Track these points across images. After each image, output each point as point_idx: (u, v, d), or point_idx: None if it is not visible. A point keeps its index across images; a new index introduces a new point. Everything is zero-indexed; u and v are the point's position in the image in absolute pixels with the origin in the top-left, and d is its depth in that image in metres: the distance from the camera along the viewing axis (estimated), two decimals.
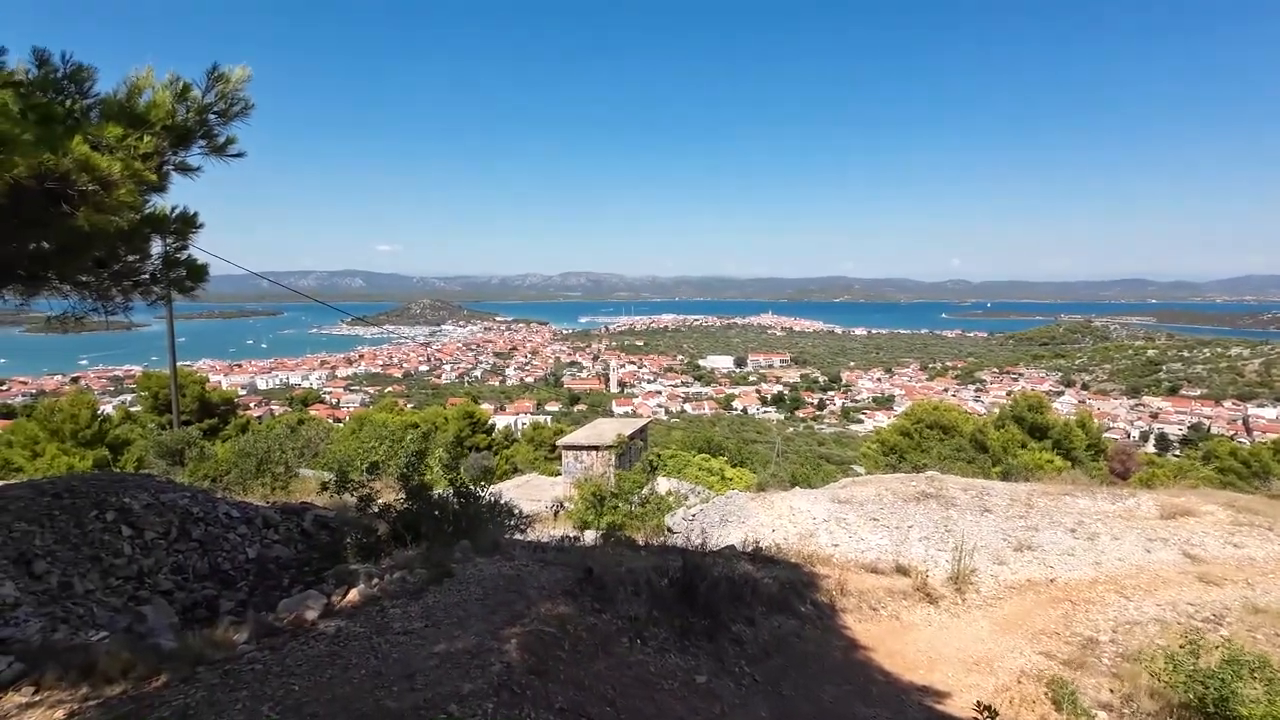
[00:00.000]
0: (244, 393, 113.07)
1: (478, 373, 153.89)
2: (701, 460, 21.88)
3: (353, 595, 3.99)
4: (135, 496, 6.10)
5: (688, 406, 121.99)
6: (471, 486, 6.41)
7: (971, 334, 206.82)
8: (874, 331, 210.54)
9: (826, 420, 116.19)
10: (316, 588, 4.59)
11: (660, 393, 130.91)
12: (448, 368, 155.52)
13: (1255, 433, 76.55)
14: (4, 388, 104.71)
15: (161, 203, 5.28)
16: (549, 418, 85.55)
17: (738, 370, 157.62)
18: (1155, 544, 11.64)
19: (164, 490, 6.47)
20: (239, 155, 4.83)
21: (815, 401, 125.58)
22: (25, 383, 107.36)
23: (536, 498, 20.28)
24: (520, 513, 6.98)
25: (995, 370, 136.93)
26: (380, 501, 6.13)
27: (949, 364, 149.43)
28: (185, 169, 4.71)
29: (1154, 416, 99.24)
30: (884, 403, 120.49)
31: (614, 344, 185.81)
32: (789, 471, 22.56)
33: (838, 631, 6.16)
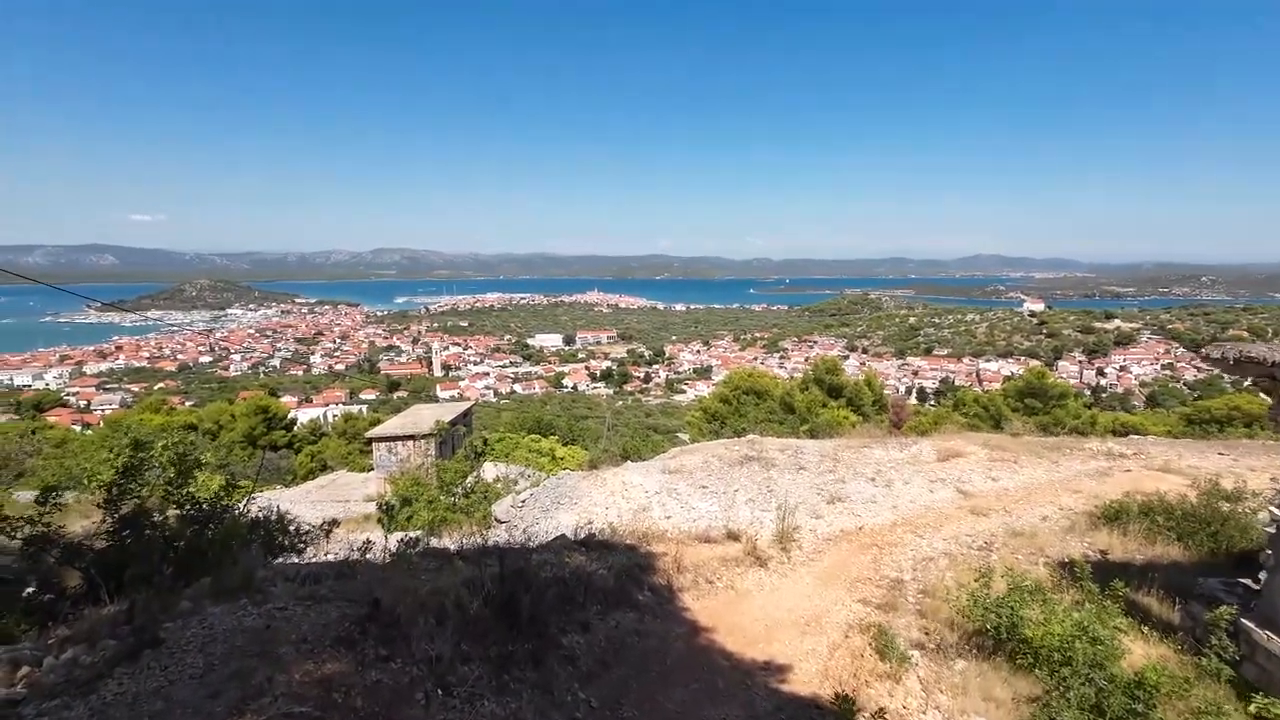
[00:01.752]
0: None
1: (276, 362, 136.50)
2: (531, 441, 20.96)
3: None
4: None
5: (518, 387, 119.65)
6: (223, 500, 4.91)
7: (775, 307, 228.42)
8: (692, 307, 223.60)
9: (653, 393, 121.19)
10: None
11: (488, 374, 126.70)
12: (237, 358, 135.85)
13: (985, 382, 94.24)
14: None
15: None
16: (364, 407, 78.55)
17: (567, 348, 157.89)
18: (936, 484, 13.14)
19: None
20: None
21: (642, 375, 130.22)
22: None
23: (343, 498, 17.95)
24: (297, 528, 5.59)
25: (795, 339, 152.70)
26: (71, 540, 4.40)
27: (758, 335, 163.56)
28: None
29: (915, 373, 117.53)
30: (703, 373, 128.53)
31: (436, 325, 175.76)
32: (620, 445, 22.52)
33: (678, 616, 5.77)
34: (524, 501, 13.02)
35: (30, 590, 4.12)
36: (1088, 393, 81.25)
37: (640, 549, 7.45)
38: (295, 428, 40.54)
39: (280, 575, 4.06)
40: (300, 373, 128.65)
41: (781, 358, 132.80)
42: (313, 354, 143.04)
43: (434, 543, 10.57)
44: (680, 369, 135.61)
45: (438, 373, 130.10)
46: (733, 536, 9.52)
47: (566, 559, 5.88)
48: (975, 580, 6.44)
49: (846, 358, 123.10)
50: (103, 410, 76.84)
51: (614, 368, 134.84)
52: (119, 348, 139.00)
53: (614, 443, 24.23)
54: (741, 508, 11.83)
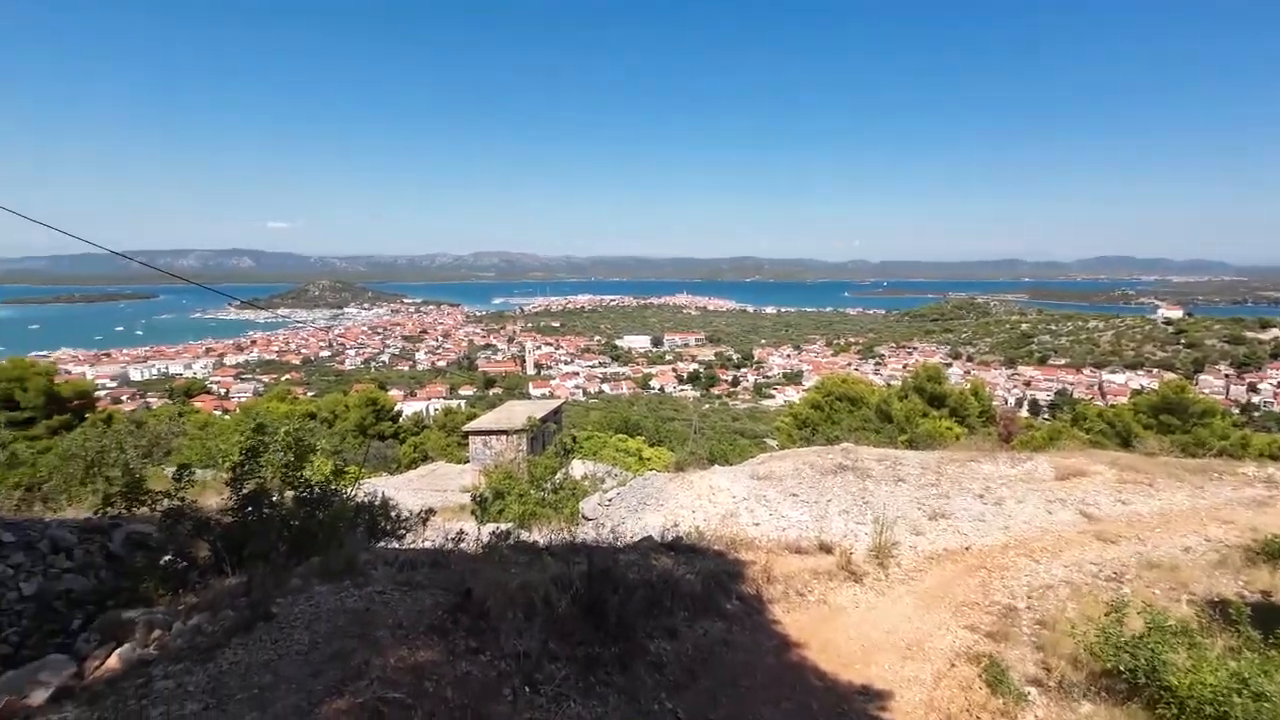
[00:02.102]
0: (113, 384, 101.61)
1: (385, 357, 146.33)
2: (618, 441, 21.12)
3: (113, 660, 2.82)
4: None
5: (606, 387, 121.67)
6: (333, 485, 5.19)
7: (871, 311, 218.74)
8: (783, 310, 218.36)
9: (740, 396, 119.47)
10: (73, 649, 3.34)
11: (578, 374, 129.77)
12: (352, 353, 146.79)
13: (1109, 396, 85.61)
14: None
15: None
16: (463, 402, 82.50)
17: (655, 350, 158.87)
18: (1055, 505, 11.98)
19: None
20: None
21: (729, 379, 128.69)
22: None
23: (441, 487, 18.84)
24: (398, 515, 5.84)
25: (893, 345, 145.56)
26: (203, 514, 4.81)
27: (852, 340, 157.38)
28: None
29: (1027, 384, 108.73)
30: (793, 378, 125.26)
31: (530, 325, 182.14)
32: (707, 448, 22.26)
33: (768, 629, 5.52)
34: (610, 500, 13.10)
35: (167, 558, 4.54)
36: (1236, 411, 71.87)
37: (728, 555, 7.24)
38: (400, 419, 43.15)
39: (381, 559, 4.22)
40: (406, 368, 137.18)
41: (877, 364, 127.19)
42: (417, 351, 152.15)
43: (524, 536, 10.83)
44: (769, 373, 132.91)
45: (530, 371, 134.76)
46: (825, 548, 9.10)
47: (653, 561, 5.78)
48: (1105, 615, 5.75)
49: (949, 365, 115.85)
50: (239, 398, 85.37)
51: (701, 370, 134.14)
52: (253, 342, 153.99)
53: (700, 445, 24.00)
54: (834, 519, 11.32)
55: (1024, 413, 77.61)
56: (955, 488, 12.95)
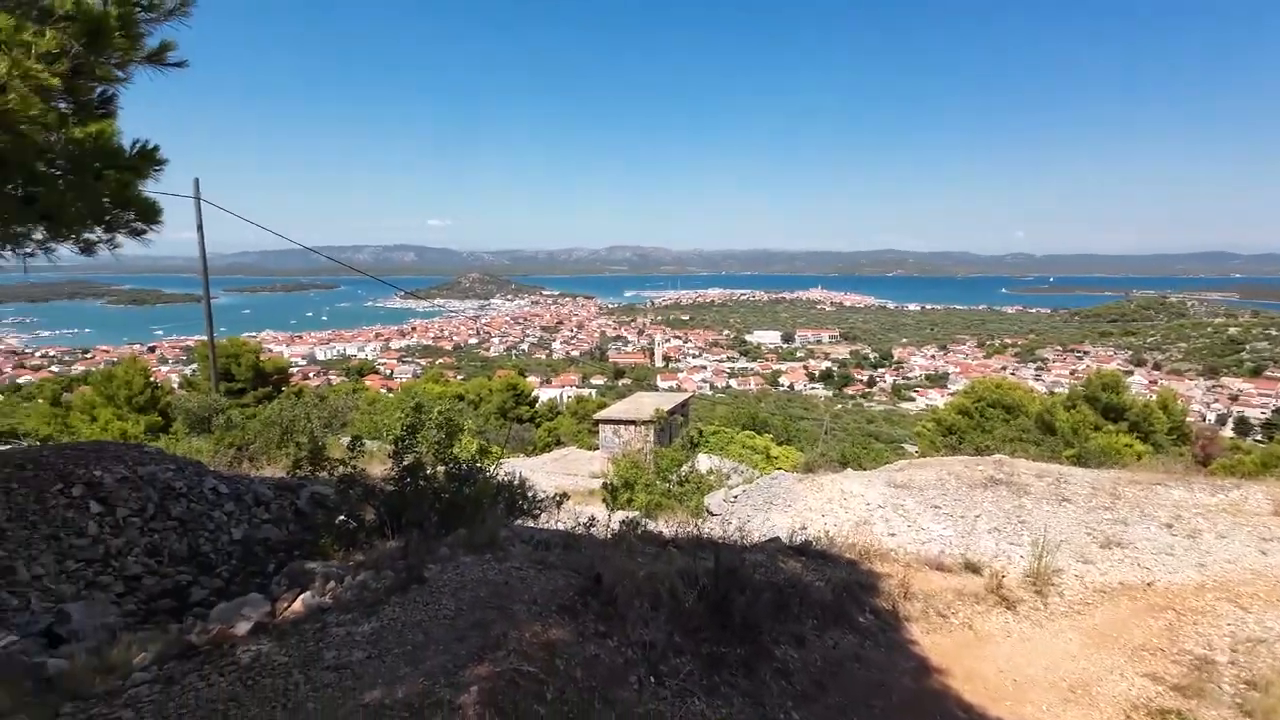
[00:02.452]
0: (303, 362, 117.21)
1: (525, 346, 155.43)
2: (745, 437, 20.80)
3: (297, 604, 3.23)
4: (109, 469, 5.53)
5: (733, 382, 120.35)
6: (478, 463, 5.58)
7: (1033, 310, 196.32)
8: (928, 307, 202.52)
9: (876, 398, 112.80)
10: (268, 590, 3.86)
11: (705, 367, 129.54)
12: (496, 340, 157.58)
13: None
14: (88, 355, 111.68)
15: (114, 129, 4.57)
16: (593, 391, 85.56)
17: (785, 346, 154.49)
18: (1273, 544, 10.06)
19: (143, 462, 5.89)
20: (179, 65, 4.02)
21: (865, 379, 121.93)
22: (107, 351, 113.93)
23: (572, 471, 19.69)
24: (534, 495, 6.17)
25: (1058, 348, 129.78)
26: (370, 481, 5.39)
27: (1008, 341, 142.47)
28: (110, 78, 3.94)
29: (1234, 399, 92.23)
30: (937, 380, 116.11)
31: (659, 318, 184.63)
32: (839, 450, 21.28)
33: (904, 648, 5.15)
34: (736, 497, 12.94)
35: (340, 518, 5.14)
36: None
37: (861, 565, 6.85)
38: (536, 405, 45.60)
39: (518, 537, 4.47)
40: (543, 356, 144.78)
41: (1039, 369, 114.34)
42: (554, 340, 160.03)
43: (649, 526, 11.03)
44: (910, 374, 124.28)
45: (659, 363, 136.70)
46: (972, 568, 8.32)
47: (781, 564, 5.61)
48: None
49: (1129, 373, 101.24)
50: (401, 378, 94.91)
51: (834, 369, 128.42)
52: (414, 329, 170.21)
53: (831, 447, 22.99)
54: (983, 536, 10.34)
55: (1228, 432, 65.93)
56: (1135, 514, 11.31)
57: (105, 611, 3.85)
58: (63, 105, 4.06)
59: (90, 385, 23.35)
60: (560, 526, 6.24)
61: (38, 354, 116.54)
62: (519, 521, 5.74)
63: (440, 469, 5.28)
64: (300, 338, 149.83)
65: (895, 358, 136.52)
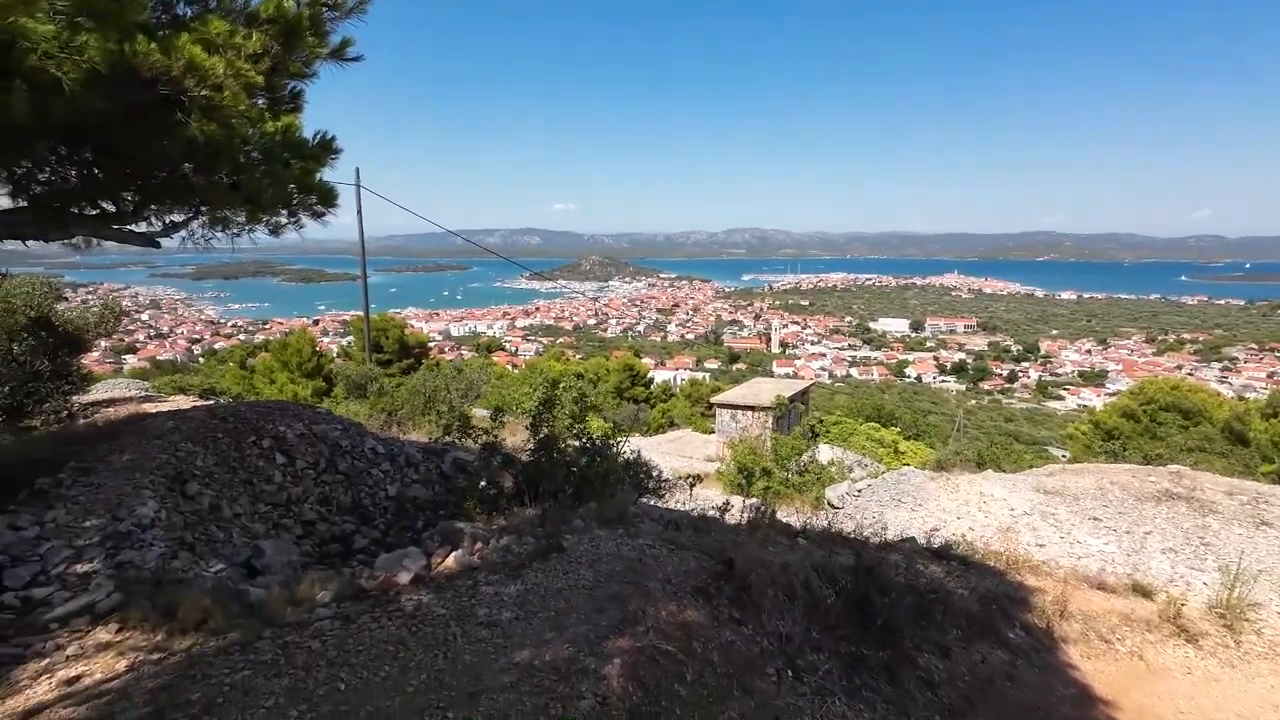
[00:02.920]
0: (439, 338, 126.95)
1: (641, 327, 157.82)
2: (870, 429, 19.77)
3: (450, 560, 3.46)
4: (291, 426, 6.26)
5: (854, 371, 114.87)
6: (609, 440, 5.70)
7: (1221, 301, 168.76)
8: (1086, 296, 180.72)
9: (1017, 395, 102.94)
10: (422, 544, 4.18)
11: (825, 355, 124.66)
12: (613, 322, 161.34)
13: None
14: (267, 325, 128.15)
15: (295, 121, 5.08)
16: (707, 375, 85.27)
17: (913, 335, 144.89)
18: None
19: (318, 421, 6.60)
20: (357, 59, 4.38)
21: (1004, 373, 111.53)
22: (281, 322, 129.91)
23: (688, 454, 19.76)
24: (659, 475, 6.22)
25: (1253, 346, 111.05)
26: (508, 450, 5.69)
27: (1186, 336, 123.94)
28: (300, 74, 4.35)
29: None
30: (1093, 378, 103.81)
31: (777, 303, 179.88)
32: (974, 449, 19.63)
33: (1061, 672, 4.65)
34: (860, 491, 12.35)
35: (483, 484, 5.48)
36: None
37: (1008, 576, 6.26)
38: (651, 386, 46.16)
39: (647, 515, 4.52)
40: (658, 339, 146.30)
41: (1225, 369, 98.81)
42: (669, 323, 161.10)
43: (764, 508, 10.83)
44: (1059, 370, 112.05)
45: (775, 349, 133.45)
46: (1141, 591, 7.35)
47: (920, 566, 5.25)
48: None
49: None
50: (525, 355, 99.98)
51: (969, 361, 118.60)
52: (537, 309, 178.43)
53: (965, 445, 21.26)
54: (1155, 557, 9.13)
55: None
56: None
57: (289, 550, 4.38)
58: (261, 101, 4.57)
59: (270, 352, 26.77)
60: (683, 507, 6.25)
61: (229, 324, 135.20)
62: (644, 499, 5.81)
63: (573, 443, 5.45)
64: (437, 315, 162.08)
65: (1042, 351, 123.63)
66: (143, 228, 5.54)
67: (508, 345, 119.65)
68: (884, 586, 3.67)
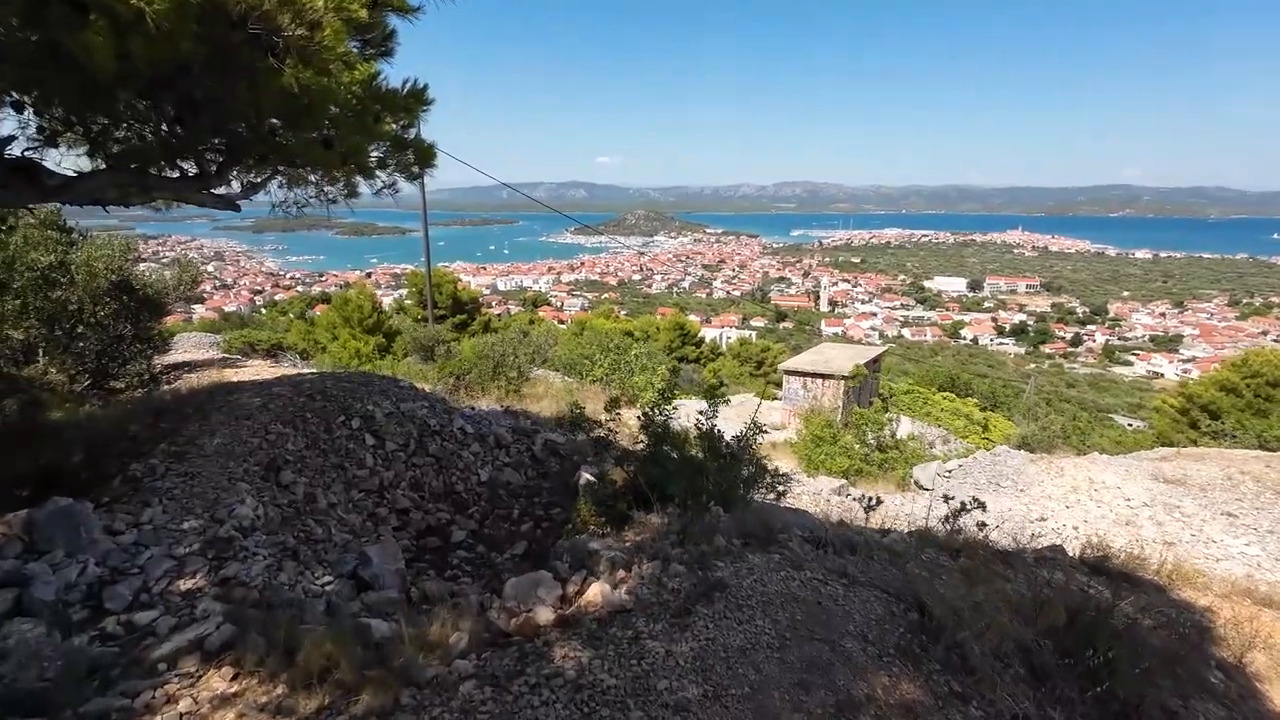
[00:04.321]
0: (487, 292, 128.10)
1: (686, 284, 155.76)
2: (945, 400, 18.67)
3: (593, 593, 2.97)
4: (379, 404, 5.88)
5: (905, 331, 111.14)
6: (740, 441, 5.07)
7: None
8: (1163, 255, 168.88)
9: (1081, 359, 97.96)
10: (549, 563, 3.71)
11: (875, 314, 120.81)
12: (658, 278, 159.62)
13: None
14: (322, 278, 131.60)
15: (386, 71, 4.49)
16: (754, 333, 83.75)
17: (970, 295, 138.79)
18: None
19: (405, 399, 6.22)
20: None
21: (1068, 336, 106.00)
22: (336, 275, 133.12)
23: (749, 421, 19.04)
24: (777, 470, 5.62)
25: None
26: (620, 443, 5.17)
27: (1275, 300, 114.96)
28: (404, 8, 3.72)
29: None
30: (1167, 343, 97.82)
31: (827, 260, 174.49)
32: (1059, 423, 18.35)
33: None
34: (951, 471, 11.53)
35: (589, 478, 5.01)
36: None
37: (1170, 593, 5.50)
38: (702, 346, 45.36)
39: (789, 526, 3.93)
40: (704, 295, 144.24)
41: None
42: (714, 279, 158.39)
43: (853, 493, 10.15)
44: (1128, 334, 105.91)
45: (824, 308, 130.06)
46: None
47: (1083, 588, 4.56)
48: None
49: None
50: (570, 311, 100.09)
51: (1030, 323, 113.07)
52: (582, 264, 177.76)
53: (1050, 420, 19.90)
54: None
55: None
56: None
57: (395, 555, 3.99)
58: (354, 45, 3.96)
59: (331, 306, 27.09)
60: (800, 503, 5.67)
61: (288, 275, 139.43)
62: (760, 496, 5.24)
63: (694, 438, 4.88)
64: (484, 269, 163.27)
65: (1110, 313, 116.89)
66: (222, 190, 5.12)
67: (553, 300, 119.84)
68: (1108, 634, 3.02)
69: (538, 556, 4.55)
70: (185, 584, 3.10)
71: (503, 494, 5.72)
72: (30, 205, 6.36)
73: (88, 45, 2.42)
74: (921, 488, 11.23)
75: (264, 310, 56.21)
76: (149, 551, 3.29)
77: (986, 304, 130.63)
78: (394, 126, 4.45)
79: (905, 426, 15.17)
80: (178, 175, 4.63)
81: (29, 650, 2.41)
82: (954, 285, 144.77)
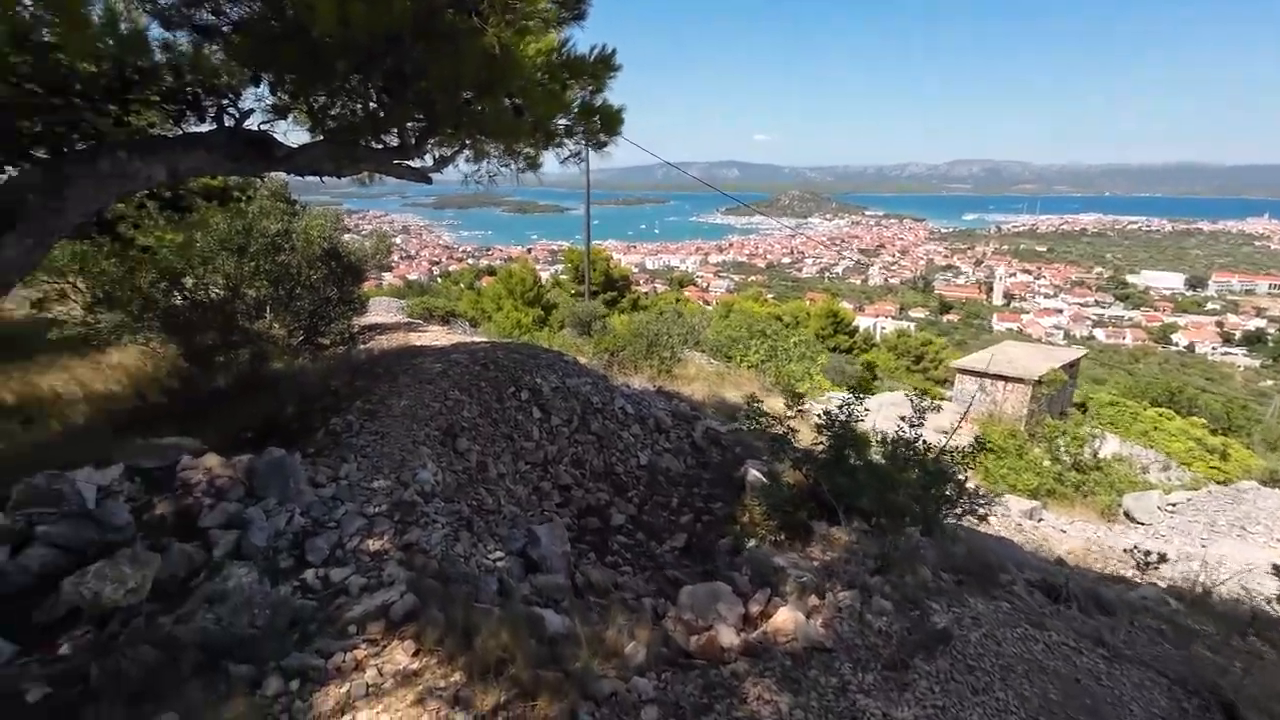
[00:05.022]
0: (636, 271, 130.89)
1: (839, 269, 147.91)
2: (1161, 417, 15.70)
3: (782, 620, 2.60)
4: (546, 378, 5.91)
5: (1099, 332, 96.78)
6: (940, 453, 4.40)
7: None
8: None
9: None
10: (726, 573, 3.39)
11: (1060, 310, 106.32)
12: (809, 261, 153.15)
13: None
14: (489, 252, 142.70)
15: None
16: (912, 325, 77.48)
17: (1189, 293, 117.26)
18: None
19: (570, 374, 6.22)
20: None
21: None
22: (501, 250, 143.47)
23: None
24: (976, 489, 4.83)
25: None
26: (802, 450, 4.69)
27: None
28: None
29: None
30: None
31: (1005, 248, 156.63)
32: None
33: None
34: (1176, 506, 9.59)
35: (757, 475, 4.63)
36: None
37: None
38: (855, 335, 42.69)
39: (1004, 561, 3.26)
40: (858, 282, 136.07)
41: None
42: (871, 265, 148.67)
43: (1048, 517, 8.79)
44: None
45: (997, 301, 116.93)
46: None
47: None
48: None
49: None
50: (715, 293, 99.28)
51: (1270, 331, 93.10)
52: (730, 245, 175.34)
53: None
54: None
55: None
56: None
57: (562, 538, 3.92)
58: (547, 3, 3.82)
59: (497, 279, 29.03)
60: (986, 526, 4.83)
61: (460, 249, 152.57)
62: (953, 519, 4.52)
63: (879, 442, 4.30)
64: (634, 248, 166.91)
65: None
66: (417, 163, 5.34)
67: (700, 281, 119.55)
68: None
69: (700, 554, 4.27)
70: (373, 544, 3.20)
71: (662, 480, 5.52)
72: (261, 175, 7.17)
73: (312, 5, 2.41)
74: (1135, 521, 9.45)
75: (440, 279, 61.95)
76: (344, 507, 3.46)
77: (1210, 305, 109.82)
78: (582, 93, 4.28)
79: (1110, 445, 12.93)
80: (381, 147, 4.87)
81: (243, 596, 2.55)
82: (1167, 281, 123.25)
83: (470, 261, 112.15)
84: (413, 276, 69.53)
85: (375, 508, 3.52)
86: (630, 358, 11.76)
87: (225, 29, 3.81)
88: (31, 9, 3.18)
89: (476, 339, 9.50)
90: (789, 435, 4.55)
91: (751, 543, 3.84)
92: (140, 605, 2.55)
